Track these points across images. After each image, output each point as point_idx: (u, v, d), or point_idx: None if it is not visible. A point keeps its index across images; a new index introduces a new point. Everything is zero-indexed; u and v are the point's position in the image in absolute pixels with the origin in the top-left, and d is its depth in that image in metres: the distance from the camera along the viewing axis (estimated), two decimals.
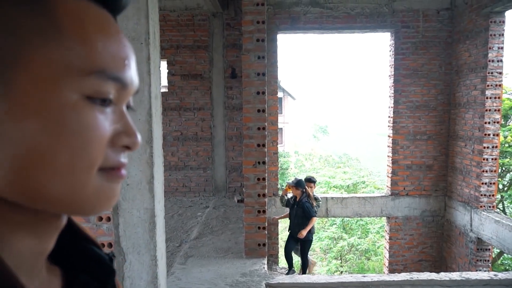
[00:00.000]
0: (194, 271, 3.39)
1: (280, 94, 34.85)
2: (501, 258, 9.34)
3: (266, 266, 3.57)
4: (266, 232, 3.87)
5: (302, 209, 4.55)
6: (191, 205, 6.01)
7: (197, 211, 5.66)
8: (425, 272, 3.66)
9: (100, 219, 2.08)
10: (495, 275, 3.53)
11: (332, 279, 3.41)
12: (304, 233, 4.49)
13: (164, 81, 6.28)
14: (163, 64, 6.32)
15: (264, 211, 3.69)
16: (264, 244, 3.73)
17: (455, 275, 3.51)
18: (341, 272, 16.24)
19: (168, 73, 6.24)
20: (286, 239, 5.07)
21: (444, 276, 3.50)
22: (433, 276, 3.49)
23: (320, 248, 16.86)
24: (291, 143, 40.33)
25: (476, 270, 5.28)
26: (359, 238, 15.25)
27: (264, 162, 3.64)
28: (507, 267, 9.34)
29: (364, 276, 3.46)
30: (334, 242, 16.04)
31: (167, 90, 6.27)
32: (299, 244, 4.80)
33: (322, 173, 23.34)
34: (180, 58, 6.21)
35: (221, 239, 4.31)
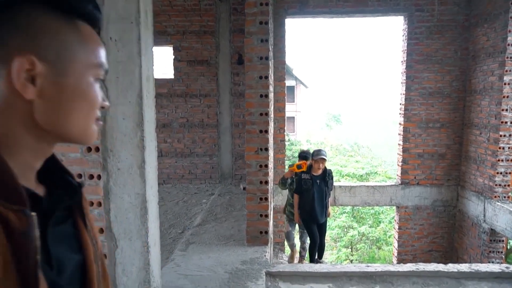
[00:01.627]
0: (195, 258, 3.35)
1: (292, 83, 34.48)
2: None
3: (267, 254, 3.51)
4: (270, 220, 3.81)
5: (327, 183, 4.37)
6: (196, 192, 5.99)
7: (202, 198, 5.63)
8: (432, 263, 3.54)
9: (92, 204, 2.04)
10: (507, 267, 3.39)
11: (335, 268, 3.32)
12: (331, 211, 4.63)
13: (171, 68, 6.21)
14: (169, 50, 6.24)
15: (266, 199, 3.62)
16: (266, 232, 3.66)
17: (463, 267, 3.38)
18: (351, 261, 16.18)
19: (174, 59, 6.15)
20: (300, 228, 4.86)
21: (452, 267, 3.37)
22: (440, 267, 3.37)
23: (331, 237, 16.78)
24: (304, 131, 40.03)
25: (488, 262, 5.12)
26: (370, 227, 15.08)
27: (266, 149, 3.54)
28: None
29: (368, 266, 3.36)
30: (345, 231, 15.94)
31: (173, 77, 6.20)
32: (317, 226, 4.50)
33: (334, 162, 23.12)
34: (186, 44, 6.11)
35: (224, 227, 4.26)
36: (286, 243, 5.44)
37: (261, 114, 3.52)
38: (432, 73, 5.80)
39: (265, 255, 3.44)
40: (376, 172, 19.15)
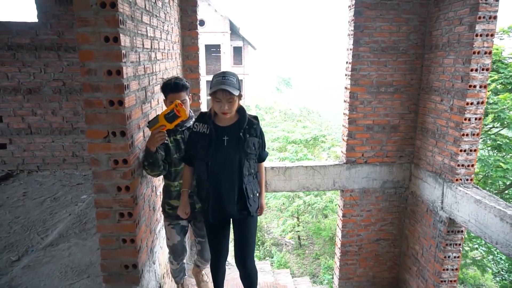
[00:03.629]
0: None
1: (239, 43, 32.34)
2: (474, 241, 8.65)
3: None
4: (145, 244, 2.41)
5: (247, 141, 2.33)
6: (82, 182, 4.41)
7: (84, 192, 4.08)
8: None
9: None
10: None
11: None
12: (264, 202, 2.55)
13: (33, 8, 4.34)
14: None
15: (130, 214, 2.20)
16: (134, 266, 2.28)
17: None
18: (298, 232, 15.66)
19: None
20: (196, 235, 2.92)
21: None
22: None
23: (276, 206, 16.06)
24: (253, 96, 38.55)
25: (444, 256, 4.24)
26: (315, 196, 14.43)
27: (123, 133, 2.07)
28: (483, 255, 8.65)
29: None
30: (290, 200, 15.25)
31: (37, 21, 4.35)
32: (234, 229, 2.59)
33: (281, 127, 22.16)
34: None
35: (86, 248, 2.82)
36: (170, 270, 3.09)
37: (109, 73, 2.00)
38: (386, 22, 4.54)
39: None
40: (323, 136, 18.46)
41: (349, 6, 4.68)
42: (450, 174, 4.12)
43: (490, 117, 7.56)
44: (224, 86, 2.20)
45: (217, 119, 2.37)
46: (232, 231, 2.61)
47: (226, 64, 28.14)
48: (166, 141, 2.48)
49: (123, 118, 2.06)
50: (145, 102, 2.54)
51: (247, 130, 2.35)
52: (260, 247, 15.47)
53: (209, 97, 2.34)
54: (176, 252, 2.86)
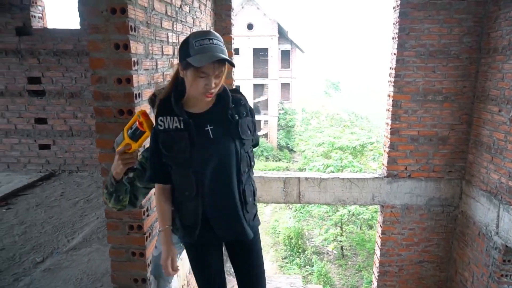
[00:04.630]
0: None
1: (287, 47, 32.11)
2: None
3: None
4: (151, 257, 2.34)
5: (239, 125, 1.60)
6: None
7: None
8: None
9: None
10: None
11: None
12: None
13: (76, 15, 4.54)
14: None
15: (140, 227, 2.12)
16: (144, 280, 2.20)
17: None
18: (340, 242, 15.06)
19: (79, 2, 4.45)
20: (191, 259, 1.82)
21: None
22: None
23: (319, 215, 15.57)
24: (300, 99, 38.09)
25: None
26: (360, 206, 13.78)
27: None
28: None
29: None
30: (334, 209, 14.70)
31: (80, 27, 4.51)
32: (232, 254, 1.78)
33: (327, 133, 21.59)
34: None
35: (105, 254, 2.81)
36: None
37: (119, 81, 1.94)
38: (435, 23, 4.12)
39: None
40: (372, 143, 17.63)
41: (394, 7, 4.33)
42: (507, 195, 3.61)
43: None
44: (218, 55, 1.41)
45: (187, 105, 1.57)
46: (230, 261, 1.79)
47: (274, 67, 28.08)
48: (135, 167, 1.65)
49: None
50: None
51: (234, 109, 1.59)
52: (301, 255, 15.12)
53: (168, 72, 1.95)
54: (156, 272, 2.04)
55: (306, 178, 4.63)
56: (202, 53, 1.40)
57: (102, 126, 2.00)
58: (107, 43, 1.89)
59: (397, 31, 4.22)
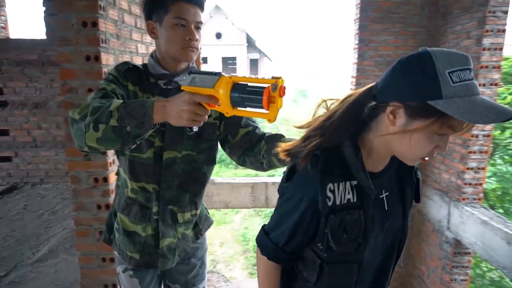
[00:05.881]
0: None
1: (256, 55, 32.58)
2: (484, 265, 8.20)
3: None
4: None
5: (408, 195, 1.04)
6: None
7: None
8: None
9: None
10: None
11: None
12: None
13: (42, 25, 4.49)
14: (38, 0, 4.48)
15: None
16: (114, 285, 2.24)
17: None
18: None
19: (45, 12, 4.41)
20: None
21: None
22: None
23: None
24: None
25: (450, 279, 4.03)
26: None
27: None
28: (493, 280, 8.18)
29: None
30: None
31: (46, 37, 4.46)
32: None
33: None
34: None
35: (73, 264, 2.80)
36: None
37: (90, 91, 2.01)
38: (392, 35, 4.44)
39: None
40: None
41: (354, 20, 4.62)
42: (456, 193, 3.94)
43: (508, 132, 7.27)
44: (504, 109, 0.75)
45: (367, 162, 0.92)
46: None
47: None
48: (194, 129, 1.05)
49: None
50: None
51: (402, 173, 1.05)
52: None
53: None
54: None
55: (273, 183, 4.78)
56: (466, 100, 0.75)
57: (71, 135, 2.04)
58: (78, 54, 1.95)
59: (357, 42, 4.50)
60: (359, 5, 4.40)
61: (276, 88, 0.83)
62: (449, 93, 0.74)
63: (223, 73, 0.91)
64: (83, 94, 1.99)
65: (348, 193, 0.87)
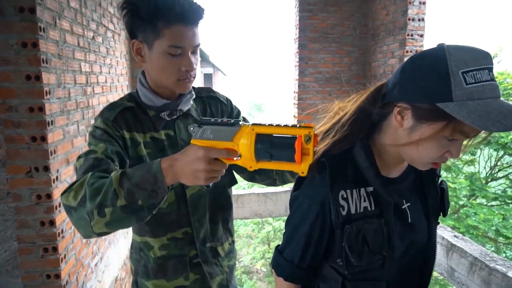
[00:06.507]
0: None
1: (210, 70, 32.77)
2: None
3: None
4: (67, 280, 2.38)
5: (437, 206, 0.94)
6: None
7: None
8: None
9: None
10: None
11: None
12: None
13: None
14: None
15: (54, 249, 2.19)
16: None
17: None
18: (268, 258, 15.49)
19: None
20: None
21: None
22: None
23: (246, 234, 15.90)
24: None
25: None
26: (284, 221, 14.45)
27: (47, 168, 2.10)
28: None
29: None
30: (260, 227, 15.17)
31: None
32: None
33: None
34: None
35: (16, 285, 2.72)
36: None
37: (31, 110, 2.05)
38: (329, 54, 4.83)
39: None
40: None
41: (294, 39, 4.96)
42: None
43: None
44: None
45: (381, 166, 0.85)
46: None
47: None
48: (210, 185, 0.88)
49: (46, 153, 2.09)
50: (78, 135, 2.57)
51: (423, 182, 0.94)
52: None
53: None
54: None
55: None
56: (481, 103, 0.67)
57: (14, 152, 2.06)
58: (18, 74, 2.00)
59: (298, 59, 4.84)
60: (297, 26, 4.75)
61: (310, 139, 0.73)
62: (461, 96, 0.67)
63: (241, 122, 0.80)
64: (24, 113, 2.03)
65: (364, 201, 0.80)
